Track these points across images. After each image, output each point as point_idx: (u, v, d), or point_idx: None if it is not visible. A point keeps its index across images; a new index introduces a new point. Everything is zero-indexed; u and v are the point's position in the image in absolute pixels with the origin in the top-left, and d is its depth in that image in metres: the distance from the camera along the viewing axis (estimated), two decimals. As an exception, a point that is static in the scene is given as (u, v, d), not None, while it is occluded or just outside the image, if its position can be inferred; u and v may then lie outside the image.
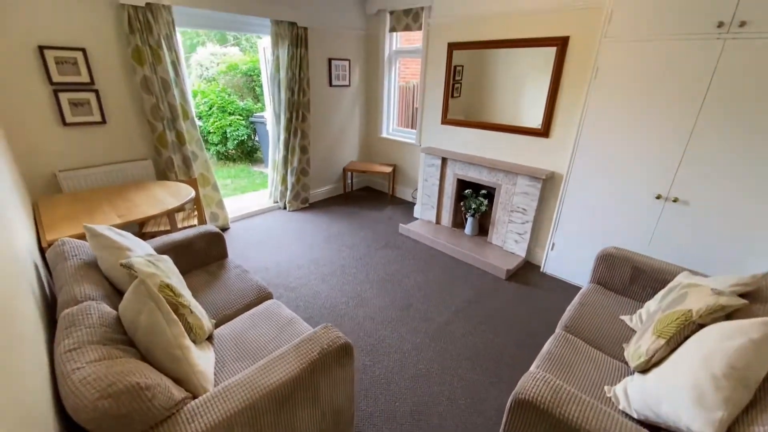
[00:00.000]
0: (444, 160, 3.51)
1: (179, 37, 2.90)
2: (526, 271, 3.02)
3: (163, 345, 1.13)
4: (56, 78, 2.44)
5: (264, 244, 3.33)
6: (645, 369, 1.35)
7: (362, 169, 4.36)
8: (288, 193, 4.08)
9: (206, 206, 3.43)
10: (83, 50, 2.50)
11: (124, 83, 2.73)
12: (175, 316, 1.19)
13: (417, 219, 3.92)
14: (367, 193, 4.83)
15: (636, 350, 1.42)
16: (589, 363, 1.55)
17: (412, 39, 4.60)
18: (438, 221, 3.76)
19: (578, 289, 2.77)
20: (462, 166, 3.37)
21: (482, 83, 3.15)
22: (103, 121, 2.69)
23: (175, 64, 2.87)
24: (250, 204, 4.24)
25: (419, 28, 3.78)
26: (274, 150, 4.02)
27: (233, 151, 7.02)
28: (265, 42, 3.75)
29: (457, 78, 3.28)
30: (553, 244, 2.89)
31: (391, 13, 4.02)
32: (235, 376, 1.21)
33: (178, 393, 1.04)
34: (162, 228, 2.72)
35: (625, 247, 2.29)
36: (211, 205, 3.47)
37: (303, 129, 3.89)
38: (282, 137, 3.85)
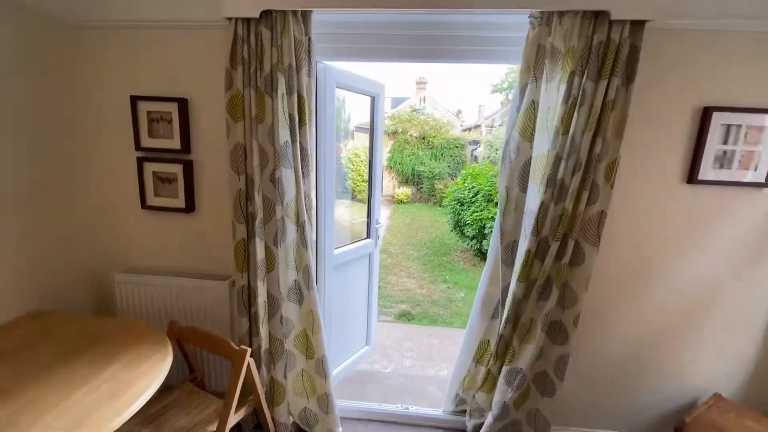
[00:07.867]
0: None
1: (316, 71, 1.50)
2: None
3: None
4: (145, 142, 1.61)
5: None
6: None
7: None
8: (489, 415, 1.67)
9: (298, 395, 1.70)
10: (185, 101, 1.56)
11: (223, 152, 1.61)
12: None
13: None
14: None
15: None
16: None
17: None
18: None
19: None
20: None
21: None
22: (187, 209, 1.65)
23: (295, 120, 1.44)
24: (421, 385, 2.17)
25: None
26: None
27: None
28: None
29: None
30: None
31: None
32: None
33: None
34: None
35: None
36: (309, 395, 1.71)
37: (567, 281, 1.46)
38: (512, 286, 1.57)
